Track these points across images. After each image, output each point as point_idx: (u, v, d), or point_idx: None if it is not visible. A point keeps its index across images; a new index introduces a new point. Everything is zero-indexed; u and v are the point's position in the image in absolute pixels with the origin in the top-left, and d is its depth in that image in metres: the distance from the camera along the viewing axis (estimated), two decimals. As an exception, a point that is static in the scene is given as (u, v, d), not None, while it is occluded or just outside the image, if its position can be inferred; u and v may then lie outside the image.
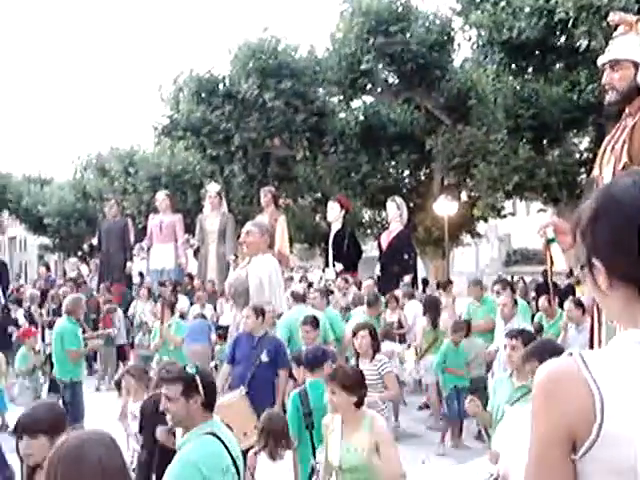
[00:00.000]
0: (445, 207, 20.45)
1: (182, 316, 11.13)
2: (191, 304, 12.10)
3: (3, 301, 12.69)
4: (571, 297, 8.23)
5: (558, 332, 8.35)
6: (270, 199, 12.47)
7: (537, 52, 18.71)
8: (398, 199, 13.72)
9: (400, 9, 18.89)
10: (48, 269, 21.26)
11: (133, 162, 31.20)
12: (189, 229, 15.14)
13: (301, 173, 22.65)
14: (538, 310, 9.83)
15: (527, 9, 17.69)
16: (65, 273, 20.81)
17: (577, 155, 20.31)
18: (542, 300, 9.54)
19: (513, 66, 19.47)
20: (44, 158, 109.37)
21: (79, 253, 34.96)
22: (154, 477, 4.89)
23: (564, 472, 1.39)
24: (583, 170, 19.19)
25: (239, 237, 8.91)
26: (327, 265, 13.70)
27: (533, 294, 13.12)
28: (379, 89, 20.42)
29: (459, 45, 20.28)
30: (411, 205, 19.65)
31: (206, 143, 22.07)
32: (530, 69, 19.64)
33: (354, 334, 6.56)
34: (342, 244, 13.24)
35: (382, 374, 6.31)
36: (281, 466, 4.94)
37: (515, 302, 8.38)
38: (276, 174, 23.16)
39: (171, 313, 9.93)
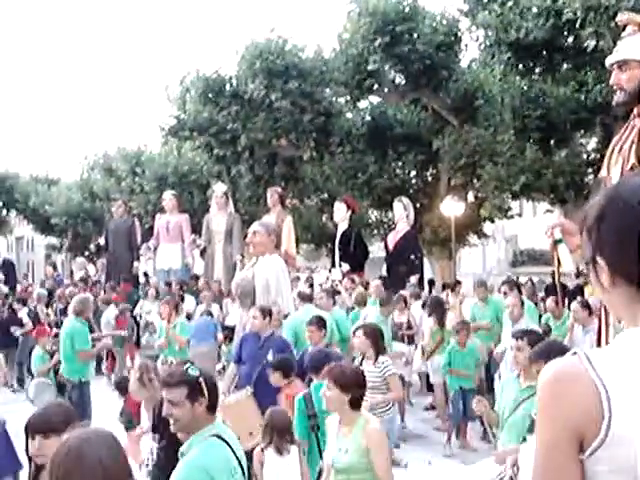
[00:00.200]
0: (452, 208, 20.43)
1: (189, 317, 11.15)
2: (197, 304, 12.12)
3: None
4: (578, 298, 8.20)
5: (565, 333, 8.34)
6: (277, 199, 12.48)
7: (545, 52, 18.67)
8: (405, 199, 13.71)
9: (407, 9, 18.86)
10: (55, 269, 21.34)
11: (140, 162, 31.25)
12: (196, 229, 15.17)
13: (308, 173, 22.65)
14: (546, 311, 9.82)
15: (534, 9, 17.65)
16: (72, 273, 20.86)
17: (584, 156, 20.26)
18: (549, 301, 9.53)
19: (520, 66, 19.43)
20: (51, 158, 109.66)
21: (86, 253, 35.06)
22: None
23: (571, 472, 1.38)
24: (590, 171, 19.15)
25: (246, 237, 8.91)
26: (334, 265, 13.69)
27: (542, 294, 13.10)
28: (386, 89, 20.41)
29: (466, 45, 20.26)
30: (418, 206, 19.63)
31: (213, 143, 22.09)
32: (537, 69, 19.60)
33: (353, 334, 6.63)
34: (348, 244, 13.24)
35: (385, 376, 6.30)
36: (288, 460, 5.01)
37: (522, 303, 8.36)
38: (283, 174, 23.16)
39: (176, 313, 9.94)
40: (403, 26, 18.39)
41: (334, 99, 21.47)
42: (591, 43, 15.47)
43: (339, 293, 11.26)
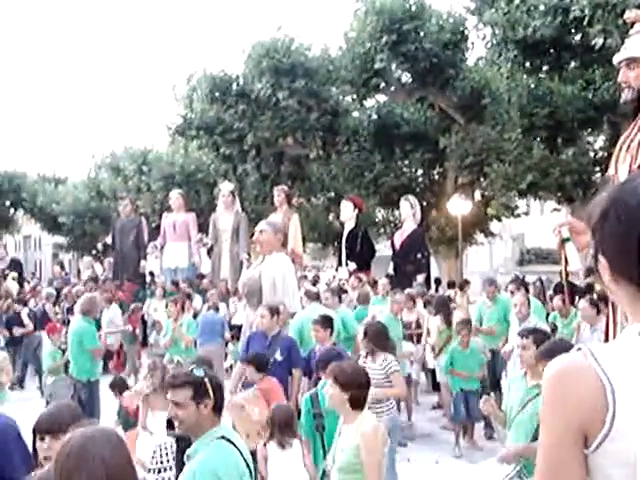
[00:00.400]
0: (459, 206, 20.39)
1: (195, 315, 11.15)
2: (204, 303, 12.13)
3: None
4: (588, 296, 8.15)
5: (572, 332, 8.31)
6: (283, 198, 12.47)
7: (552, 50, 18.62)
8: (411, 198, 13.69)
9: (414, 8, 18.83)
10: (63, 268, 21.38)
11: (147, 161, 31.29)
12: (202, 228, 15.18)
13: (314, 172, 22.66)
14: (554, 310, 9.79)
15: (542, 7, 17.61)
16: (79, 272, 20.92)
17: (592, 154, 20.20)
18: (556, 300, 9.50)
19: (527, 65, 19.39)
20: (59, 157, 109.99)
21: (93, 252, 35.12)
22: None
23: (576, 467, 1.39)
24: (598, 169, 19.09)
25: (252, 236, 8.91)
26: (340, 264, 13.68)
27: (550, 293, 13.07)
28: (392, 88, 20.38)
29: (473, 44, 20.23)
30: (424, 204, 19.59)
31: (220, 142, 22.12)
32: (545, 67, 19.55)
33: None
34: (355, 243, 13.22)
35: (388, 374, 6.30)
36: (291, 454, 5.04)
37: (529, 302, 8.34)
38: (289, 173, 23.17)
39: (182, 311, 9.95)
40: (410, 24, 18.37)
41: (341, 98, 21.46)
42: (599, 41, 15.43)
43: (346, 292, 11.25)
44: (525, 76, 19.23)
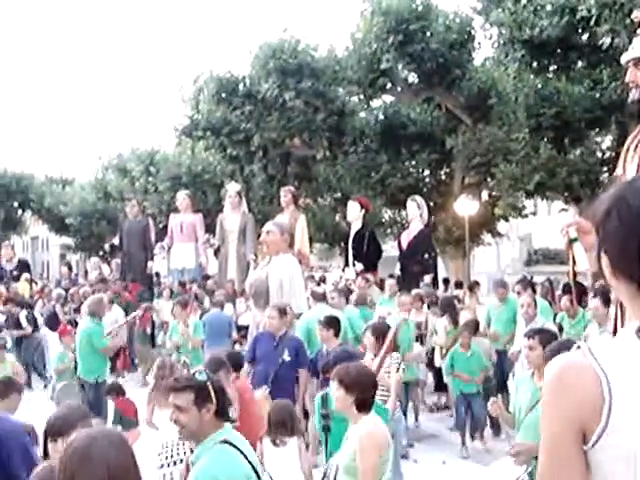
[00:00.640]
0: (466, 206, 20.36)
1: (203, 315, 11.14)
2: (212, 305, 12.14)
3: None
4: (600, 295, 8.07)
5: (579, 332, 8.28)
6: (290, 199, 12.46)
7: (559, 50, 18.58)
8: (418, 198, 13.67)
9: (420, 8, 18.82)
10: (71, 269, 21.42)
11: (154, 162, 31.33)
12: (209, 229, 15.19)
13: (321, 173, 22.65)
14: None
15: (549, 7, 17.58)
16: (87, 273, 20.96)
17: (599, 154, 20.15)
18: (564, 300, 9.46)
19: (534, 64, 19.35)
20: (66, 159, 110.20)
21: (100, 253, 35.20)
22: None
23: (577, 463, 1.42)
24: (605, 169, 19.04)
25: (259, 237, 8.92)
26: (347, 265, 13.67)
27: (559, 293, 13.02)
28: (399, 88, 20.37)
29: (480, 44, 20.19)
30: (431, 204, 19.57)
31: (226, 143, 22.15)
32: (552, 67, 19.51)
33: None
34: (362, 244, 13.20)
35: (390, 368, 6.29)
36: (284, 452, 5.03)
37: (535, 302, 8.31)
38: (296, 174, 23.18)
39: (187, 312, 9.95)
40: (416, 25, 18.35)
41: (347, 98, 21.45)
42: (606, 40, 15.39)
43: (353, 292, 11.24)
44: (532, 76, 19.19)
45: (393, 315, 8.94)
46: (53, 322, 12.72)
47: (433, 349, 9.86)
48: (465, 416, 8.16)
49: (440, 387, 10.01)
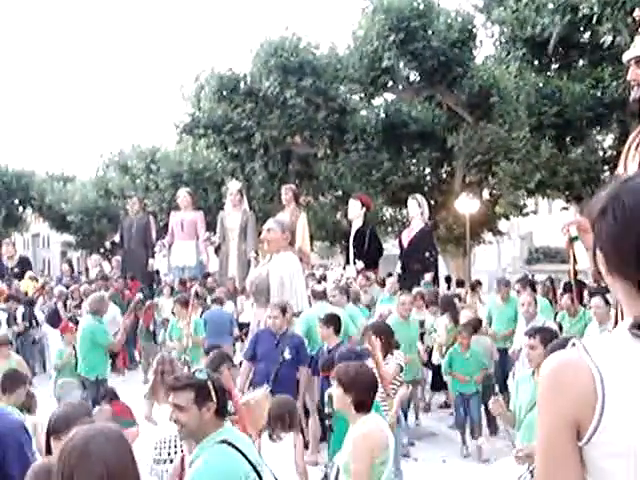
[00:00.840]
0: (466, 205, 20.35)
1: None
2: (212, 301, 12.14)
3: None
4: (601, 294, 8.06)
5: (580, 331, 8.28)
6: (291, 197, 12.47)
7: (560, 49, 18.56)
8: (419, 197, 13.67)
9: (421, 6, 18.79)
10: (71, 266, 21.42)
11: (155, 160, 31.37)
12: (210, 226, 15.20)
13: (322, 171, 22.64)
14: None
15: (550, 5, 17.57)
16: (87, 270, 20.97)
17: (600, 153, 20.14)
18: (565, 298, 9.47)
19: (536, 63, 19.35)
20: (67, 156, 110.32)
21: (101, 250, 35.22)
22: None
23: (572, 460, 1.43)
24: (606, 168, 19.04)
25: (260, 234, 8.92)
26: (348, 263, 13.68)
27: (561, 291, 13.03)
28: (400, 86, 20.35)
29: (481, 42, 20.17)
30: (432, 203, 19.56)
31: (227, 141, 22.13)
32: (553, 66, 19.49)
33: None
34: (363, 242, 13.21)
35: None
36: (280, 447, 5.06)
37: (535, 301, 8.30)
38: (297, 172, 23.17)
39: (187, 309, 9.94)
40: (417, 23, 18.33)
41: (348, 96, 21.43)
42: (608, 39, 15.37)
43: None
44: (533, 74, 19.17)
45: (393, 315, 8.95)
46: (54, 319, 12.72)
47: (431, 348, 9.85)
48: (464, 416, 8.15)
49: (438, 386, 9.97)
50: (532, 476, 4.21)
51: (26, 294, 14.22)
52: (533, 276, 17.78)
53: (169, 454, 5.48)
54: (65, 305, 13.75)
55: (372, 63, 18.89)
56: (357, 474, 3.82)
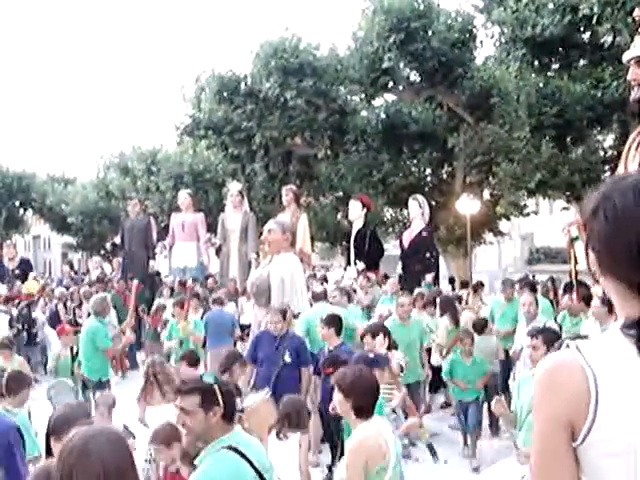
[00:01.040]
0: (467, 205, 20.34)
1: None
2: (213, 302, 12.13)
3: None
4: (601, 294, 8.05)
5: (581, 331, 8.26)
6: (292, 198, 12.46)
7: (561, 49, 18.57)
8: (420, 197, 13.66)
9: (422, 7, 18.81)
10: (72, 268, 21.42)
11: (155, 161, 31.35)
12: (211, 228, 15.20)
13: (323, 172, 22.65)
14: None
15: (550, 5, 17.58)
16: (88, 271, 20.98)
17: (601, 153, 20.14)
18: (566, 299, 9.44)
19: (536, 63, 19.35)
20: (67, 158, 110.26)
21: (102, 252, 35.24)
22: None
23: (566, 460, 1.43)
24: (607, 168, 19.05)
25: (261, 236, 8.92)
26: (349, 264, 13.67)
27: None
28: (401, 87, 20.36)
29: (481, 42, 20.19)
30: (433, 203, 19.56)
31: (228, 142, 22.15)
32: (554, 66, 19.51)
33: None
34: (363, 242, 13.20)
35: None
36: (285, 446, 5.09)
37: (536, 301, 8.29)
38: (297, 173, 23.17)
39: (187, 312, 9.96)
40: (418, 23, 18.35)
41: (349, 97, 21.44)
42: (608, 39, 15.37)
43: (354, 291, 11.24)
44: (534, 75, 19.18)
45: (392, 318, 8.91)
46: (55, 321, 12.72)
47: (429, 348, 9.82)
48: (465, 420, 8.12)
49: (436, 386, 9.92)
50: None
51: (31, 295, 14.22)
52: (534, 276, 17.76)
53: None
54: (65, 306, 13.74)
55: (372, 64, 18.91)
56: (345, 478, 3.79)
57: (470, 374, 8.13)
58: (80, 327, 11.51)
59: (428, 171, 22.67)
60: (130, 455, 2.28)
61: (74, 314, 12.85)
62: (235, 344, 10.69)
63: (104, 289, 13.25)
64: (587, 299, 7.83)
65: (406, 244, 13.19)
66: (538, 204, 27.46)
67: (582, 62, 19.05)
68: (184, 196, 14.72)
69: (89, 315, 9.21)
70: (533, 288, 9.87)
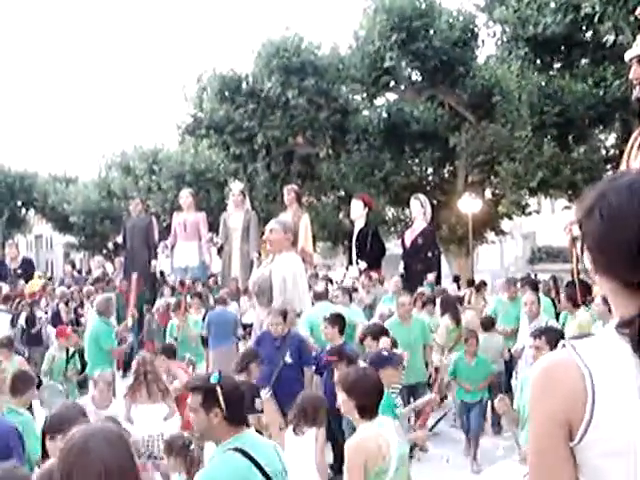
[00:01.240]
0: (469, 204, 20.33)
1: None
2: (215, 302, 12.13)
3: None
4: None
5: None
6: (293, 197, 12.46)
7: (563, 48, 18.55)
8: (422, 197, 13.66)
9: (423, 6, 18.81)
10: (74, 267, 21.46)
11: (157, 161, 31.42)
12: (213, 227, 15.20)
13: (324, 171, 22.65)
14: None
15: (552, 4, 17.55)
16: (90, 271, 21.00)
17: (603, 152, 20.12)
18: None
19: (538, 62, 19.32)
20: (69, 157, 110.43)
21: (104, 251, 35.27)
22: None
23: (564, 460, 1.43)
24: (609, 167, 19.01)
25: (262, 235, 8.92)
26: (350, 263, 13.67)
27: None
28: (402, 86, 20.36)
29: (483, 41, 20.19)
30: (435, 203, 19.56)
31: (229, 141, 22.16)
32: (555, 65, 19.48)
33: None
34: (365, 242, 13.20)
35: None
36: (302, 441, 5.11)
37: (538, 300, 8.28)
38: (299, 172, 23.18)
39: (185, 311, 9.98)
40: (419, 22, 18.34)
41: (350, 96, 21.44)
42: (610, 38, 15.32)
43: (356, 290, 11.24)
44: (536, 74, 19.15)
45: (393, 318, 8.90)
46: (57, 320, 12.72)
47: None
48: (468, 422, 8.10)
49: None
50: None
51: (34, 294, 14.23)
52: (536, 275, 17.75)
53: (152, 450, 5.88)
54: (67, 306, 13.76)
55: (374, 63, 18.90)
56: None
57: (474, 374, 8.10)
58: (81, 327, 11.57)
59: (430, 170, 22.67)
60: (131, 453, 2.28)
61: (75, 313, 12.85)
62: (237, 343, 10.71)
63: (103, 289, 13.28)
64: (574, 299, 7.85)
65: (408, 243, 13.19)
66: (540, 203, 27.44)
67: (584, 61, 19.02)
68: (186, 195, 14.71)
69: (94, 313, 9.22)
70: (535, 287, 9.88)
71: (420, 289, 10.76)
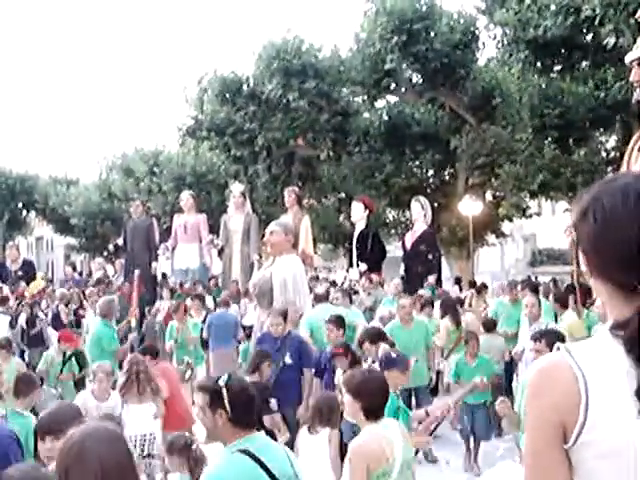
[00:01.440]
0: (470, 207, 20.33)
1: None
2: (216, 304, 12.13)
3: None
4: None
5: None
6: (294, 199, 12.46)
7: (563, 50, 18.55)
8: (422, 199, 13.66)
9: (424, 8, 18.82)
10: (75, 269, 21.44)
11: (158, 163, 31.42)
12: (213, 229, 15.20)
13: (325, 173, 22.67)
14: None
15: (553, 7, 17.55)
16: (91, 273, 21.00)
17: (604, 154, 20.13)
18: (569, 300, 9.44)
19: (539, 64, 19.33)
20: (70, 159, 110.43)
21: (105, 253, 35.28)
22: None
23: (559, 462, 1.43)
24: (610, 169, 19.00)
25: (263, 237, 8.92)
26: (351, 265, 13.67)
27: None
28: (403, 89, 20.37)
29: (484, 44, 20.20)
30: (435, 205, 19.57)
31: (230, 143, 22.17)
32: (556, 67, 19.49)
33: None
34: (366, 244, 13.21)
35: None
36: (316, 440, 5.15)
37: (539, 302, 8.28)
38: (300, 174, 23.19)
39: (185, 313, 9.98)
40: (420, 25, 18.36)
41: (351, 98, 21.46)
42: (610, 40, 15.33)
43: (357, 293, 11.24)
44: (536, 76, 19.17)
45: (394, 321, 8.88)
46: (57, 322, 12.72)
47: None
48: (469, 425, 8.03)
49: (435, 391, 9.84)
50: None
51: (34, 295, 14.23)
52: (536, 278, 17.75)
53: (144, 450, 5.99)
54: (67, 308, 13.75)
55: (375, 65, 18.92)
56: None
57: (477, 375, 8.07)
58: (81, 329, 11.57)
59: (430, 172, 22.68)
60: (129, 451, 2.28)
61: (75, 315, 12.84)
62: (238, 345, 10.71)
63: (103, 291, 13.27)
64: (563, 301, 7.84)
65: (408, 246, 13.19)
66: (540, 205, 27.43)
67: (584, 63, 19.03)
68: (186, 197, 14.71)
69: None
70: (535, 290, 9.89)
71: (419, 291, 10.76)
